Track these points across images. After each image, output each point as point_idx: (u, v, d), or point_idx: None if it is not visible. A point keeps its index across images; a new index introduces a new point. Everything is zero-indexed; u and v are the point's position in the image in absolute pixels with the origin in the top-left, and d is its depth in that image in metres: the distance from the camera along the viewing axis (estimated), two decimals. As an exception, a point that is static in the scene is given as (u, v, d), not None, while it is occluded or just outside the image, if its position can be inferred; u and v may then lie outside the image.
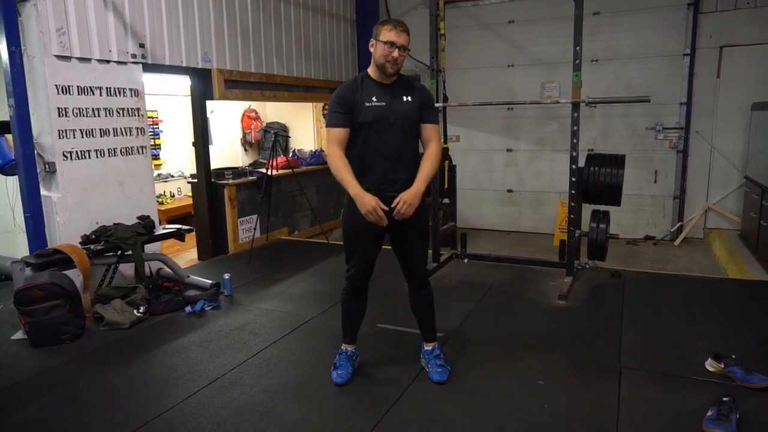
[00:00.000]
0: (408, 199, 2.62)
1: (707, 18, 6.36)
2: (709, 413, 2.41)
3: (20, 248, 4.45)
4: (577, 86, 4.10)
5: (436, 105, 4.73)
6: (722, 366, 2.84)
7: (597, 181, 4.33)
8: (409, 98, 2.76)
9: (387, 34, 2.64)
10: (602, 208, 4.51)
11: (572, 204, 4.35)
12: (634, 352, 3.19)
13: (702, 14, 6.37)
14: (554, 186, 7.18)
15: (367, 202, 2.57)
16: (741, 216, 6.34)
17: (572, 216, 4.38)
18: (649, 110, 6.59)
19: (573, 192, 4.31)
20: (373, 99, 2.69)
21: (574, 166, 4.25)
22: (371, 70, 2.77)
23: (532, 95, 7.03)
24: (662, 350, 3.22)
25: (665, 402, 2.64)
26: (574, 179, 4.28)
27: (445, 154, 4.98)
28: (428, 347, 3.02)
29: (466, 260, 5.14)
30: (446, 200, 5.09)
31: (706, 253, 6.29)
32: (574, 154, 4.22)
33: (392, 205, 2.62)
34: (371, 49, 2.72)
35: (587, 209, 4.51)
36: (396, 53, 2.63)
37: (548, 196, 7.31)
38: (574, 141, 4.20)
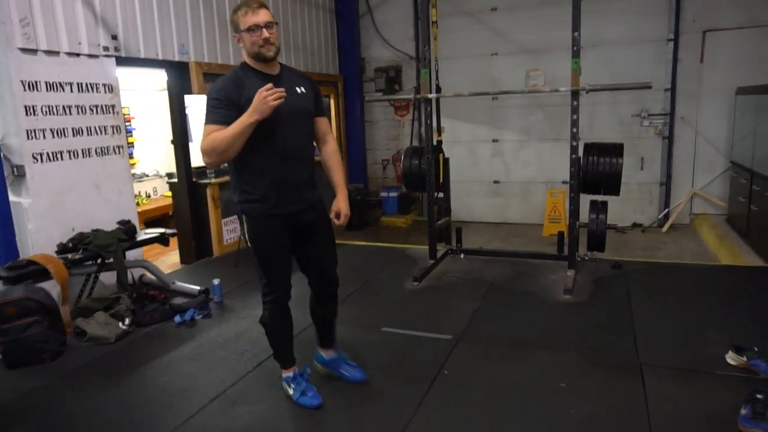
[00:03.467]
0: (346, 209, 2.59)
1: (690, 2, 6.32)
2: (743, 411, 2.33)
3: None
4: (576, 74, 3.99)
5: (429, 96, 4.63)
6: (745, 359, 2.76)
7: (596, 171, 4.23)
8: (303, 89, 2.51)
9: (245, 19, 2.33)
10: (600, 198, 4.43)
11: (572, 195, 4.24)
12: (651, 347, 3.10)
13: (685, -2, 6.33)
14: (541, 176, 7.11)
15: (259, 99, 2.21)
16: (727, 201, 6.37)
17: (572, 207, 4.27)
18: (635, 97, 6.55)
19: (573, 182, 4.20)
20: None
21: (574, 156, 4.15)
22: (251, 62, 2.43)
23: (517, 84, 6.91)
24: (679, 343, 3.14)
25: (694, 400, 2.55)
26: (573, 169, 4.17)
27: (438, 147, 4.82)
28: (332, 353, 2.89)
29: (462, 256, 5.01)
30: (440, 194, 4.94)
31: (693, 238, 6.30)
32: (575, 143, 4.11)
33: (335, 221, 2.58)
34: (239, 45, 2.43)
35: (584, 199, 4.42)
36: (265, 33, 2.33)
37: (536, 186, 7.23)
38: (574, 130, 4.10)
